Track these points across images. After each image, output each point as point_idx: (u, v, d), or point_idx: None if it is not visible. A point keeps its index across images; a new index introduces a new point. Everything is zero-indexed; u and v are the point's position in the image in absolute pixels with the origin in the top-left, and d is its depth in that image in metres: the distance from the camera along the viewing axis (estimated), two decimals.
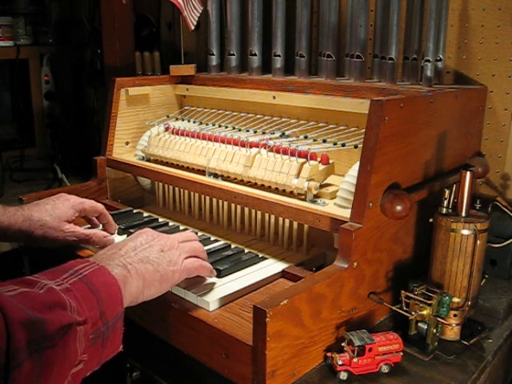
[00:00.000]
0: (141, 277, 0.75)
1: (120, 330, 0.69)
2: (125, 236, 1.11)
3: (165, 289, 0.80)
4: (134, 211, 1.29)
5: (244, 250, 1.06)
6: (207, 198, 1.20)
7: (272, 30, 1.32)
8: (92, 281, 0.66)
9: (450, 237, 0.88)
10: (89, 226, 1.13)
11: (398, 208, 0.86)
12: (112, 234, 1.11)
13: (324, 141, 1.10)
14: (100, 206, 1.09)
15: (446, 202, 0.90)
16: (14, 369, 0.51)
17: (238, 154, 1.13)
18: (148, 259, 0.78)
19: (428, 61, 1.11)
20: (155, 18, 1.89)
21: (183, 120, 1.41)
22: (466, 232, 0.87)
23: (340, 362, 0.79)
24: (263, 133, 1.21)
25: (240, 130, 1.26)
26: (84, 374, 0.63)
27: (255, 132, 1.22)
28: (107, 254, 0.76)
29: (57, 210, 1.00)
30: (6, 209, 0.98)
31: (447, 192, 0.90)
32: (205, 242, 1.10)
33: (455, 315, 0.89)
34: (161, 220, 1.24)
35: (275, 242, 1.10)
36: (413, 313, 0.85)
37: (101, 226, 1.12)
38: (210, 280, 0.93)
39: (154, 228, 1.16)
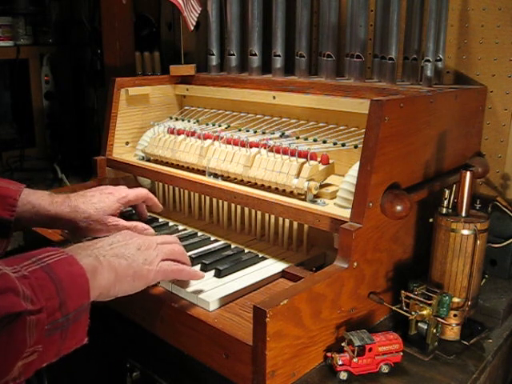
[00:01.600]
0: (113, 270, 0.74)
1: (85, 322, 0.67)
2: None
3: (138, 286, 0.80)
4: (134, 211, 1.29)
5: (244, 250, 1.06)
6: (207, 197, 1.20)
7: (272, 30, 1.32)
8: (55, 270, 0.64)
9: (449, 237, 0.88)
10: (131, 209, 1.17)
11: (398, 208, 0.86)
12: (158, 212, 1.17)
13: (324, 141, 1.10)
14: (143, 192, 1.11)
15: (445, 202, 0.90)
16: None
17: (238, 154, 1.13)
18: (123, 254, 0.78)
19: (428, 61, 1.11)
20: (155, 18, 1.89)
21: (183, 120, 1.41)
22: (465, 232, 0.87)
23: (340, 362, 0.79)
24: (263, 133, 1.21)
25: (240, 130, 1.26)
26: (39, 364, 0.62)
27: (255, 132, 1.22)
28: (81, 246, 0.76)
29: (102, 204, 1.02)
30: (54, 198, 1.00)
31: (447, 192, 0.90)
32: (205, 242, 1.10)
33: (455, 315, 0.89)
34: (161, 220, 1.24)
35: (275, 242, 1.10)
36: (413, 313, 0.85)
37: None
38: (210, 280, 0.93)
39: (153, 228, 1.17)
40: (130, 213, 1.19)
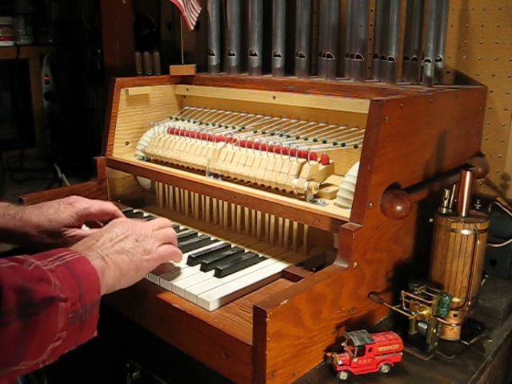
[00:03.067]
0: (117, 267, 0.79)
1: (95, 316, 0.72)
2: None
3: (140, 276, 0.84)
4: (134, 211, 1.29)
5: (244, 250, 1.06)
6: (207, 197, 1.20)
7: (272, 30, 1.32)
8: (74, 267, 0.70)
9: (449, 237, 0.88)
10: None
11: (398, 208, 0.86)
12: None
13: (324, 141, 1.10)
14: (111, 208, 1.02)
15: (446, 202, 0.90)
16: (1, 326, 0.57)
17: (238, 154, 1.13)
18: (124, 250, 0.82)
19: (428, 61, 1.11)
20: (155, 18, 1.89)
21: (183, 120, 1.41)
22: (466, 232, 0.87)
23: (340, 362, 0.79)
24: (263, 133, 1.21)
25: (240, 130, 1.26)
26: (62, 350, 0.67)
27: (255, 132, 1.22)
28: (86, 246, 0.80)
29: (57, 215, 0.96)
30: (7, 211, 0.96)
31: (447, 192, 0.90)
32: (205, 242, 1.10)
33: (455, 315, 0.89)
34: None
35: (275, 242, 1.10)
36: (413, 313, 0.85)
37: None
38: (210, 280, 0.93)
39: None
40: None
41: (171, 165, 1.27)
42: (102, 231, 0.84)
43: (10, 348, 0.59)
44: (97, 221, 1.05)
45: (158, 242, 0.88)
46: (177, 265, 0.99)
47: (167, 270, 0.96)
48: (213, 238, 1.13)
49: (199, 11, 1.42)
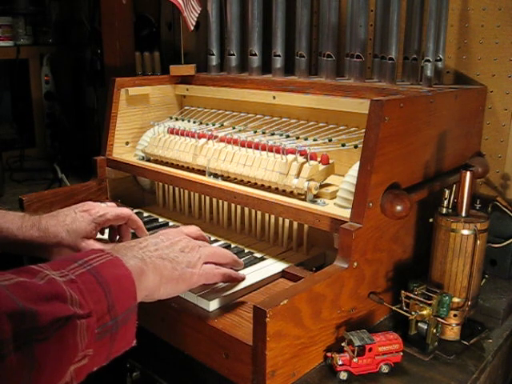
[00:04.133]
0: (158, 272, 0.73)
1: (133, 324, 0.66)
2: None
3: (182, 289, 0.79)
4: (134, 211, 1.29)
5: (244, 250, 1.06)
6: (207, 197, 1.20)
7: (272, 30, 1.32)
8: (102, 273, 0.63)
9: (450, 237, 0.88)
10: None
11: (398, 208, 0.86)
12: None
13: (324, 141, 1.10)
14: (127, 213, 0.99)
15: (446, 202, 0.90)
16: None
17: (238, 154, 1.13)
18: (167, 256, 0.77)
19: (428, 61, 1.11)
20: (155, 18, 1.89)
21: (183, 120, 1.41)
22: (466, 232, 0.87)
23: (340, 362, 0.79)
24: (263, 133, 1.21)
25: (240, 130, 1.26)
26: (90, 369, 0.61)
27: (255, 132, 1.22)
28: (126, 246, 0.75)
29: (75, 225, 0.93)
30: (23, 222, 0.93)
31: (447, 192, 0.90)
32: None
33: (455, 315, 0.89)
34: (161, 220, 1.24)
35: (275, 242, 1.10)
36: (413, 313, 0.85)
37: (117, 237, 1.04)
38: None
39: (153, 228, 1.17)
40: None
41: (171, 165, 1.27)
42: (147, 237, 0.80)
43: (12, 382, 0.51)
44: (123, 228, 1.02)
45: (203, 258, 0.82)
46: None
47: None
48: (213, 238, 1.13)
49: (199, 11, 1.42)
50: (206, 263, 0.83)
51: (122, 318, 0.63)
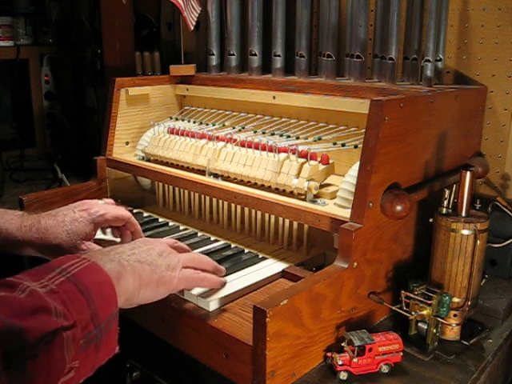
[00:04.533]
0: (137, 275, 0.71)
1: (115, 330, 0.64)
2: None
3: (162, 293, 0.77)
4: (134, 211, 1.29)
5: (244, 250, 1.06)
6: (207, 197, 1.20)
7: (272, 30, 1.32)
8: (82, 280, 0.61)
9: (449, 237, 0.88)
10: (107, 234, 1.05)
11: (398, 208, 0.86)
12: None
13: (324, 141, 1.10)
14: (126, 215, 0.99)
15: (445, 202, 0.90)
16: None
17: (238, 154, 1.13)
18: (145, 260, 0.75)
19: (428, 61, 1.11)
20: (155, 17, 1.89)
21: (183, 120, 1.41)
22: (466, 232, 0.87)
23: (340, 362, 0.79)
24: (263, 133, 1.21)
25: (240, 130, 1.26)
26: (77, 380, 0.59)
27: (255, 132, 1.22)
28: (102, 251, 0.73)
29: (74, 226, 0.92)
30: (23, 222, 0.92)
31: (447, 192, 0.90)
32: (205, 242, 1.10)
33: (455, 315, 0.89)
34: (161, 220, 1.24)
35: (275, 242, 1.10)
36: (413, 313, 0.85)
37: (118, 239, 1.04)
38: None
39: (154, 228, 1.17)
40: None
41: (171, 165, 1.27)
42: (123, 244, 0.79)
43: None
44: (123, 231, 1.01)
45: (182, 262, 0.81)
46: None
47: None
48: (213, 238, 1.13)
49: (199, 11, 1.42)
50: (185, 268, 0.82)
51: (105, 326, 0.62)
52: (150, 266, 0.75)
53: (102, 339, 0.61)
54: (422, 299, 0.85)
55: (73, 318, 0.57)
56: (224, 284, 0.90)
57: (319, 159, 1.05)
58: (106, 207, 0.98)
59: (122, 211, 0.99)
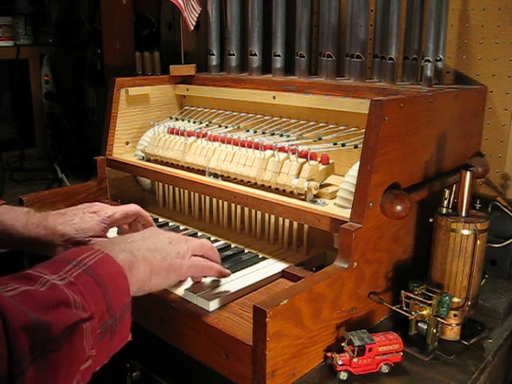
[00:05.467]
0: (148, 263, 0.73)
1: (128, 319, 0.66)
2: None
3: (172, 280, 0.79)
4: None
5: (244, 250, 1.06)
6: (207, 197, 1.20)
7: (272, 30, 1.32)
8: (97, 272, 0.63)
9: (449, 237, 0.88)
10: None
11: (398, 208, 0.86)
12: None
13: (324, 141, 1.10)
14: (135, 209, 0.99)
15: (445, 202, 0.90)
16: (17, 377, 0.49)
17: (238, 154, 1.13)
18: (156, 248, 0.76)
19: (428, 61, 1.11)
20: (155, 17, 1.89)
21: (183, 120, 1.41)
22: (466, 232, 0.87)
23: (340, 362, 0.79)
24: (263, 133, 1.21)
25: (240, 130, 1.26)
26: (93, 369, 0.62)
27: (255, 132, 1.22)
28: (113, 241, 0.75)
29: (83, 225, 0.93)
30: (29, 219, 0.92)
31: (447, 192, 0.90)
32: None
33: (455, 315, 0.89)
34: (161, 220, 1.24)
35: (275, 242, 1.10)
36: (413, 313, 0.85)
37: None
38: (210, 279, 0.93)
39: None
40: None
41: (171, 165, 1.27)
42: (133, 233, 0.80)
43: None
44: (134, 225, 1.02)
45: (191, 250, 0.82)
46: None
47: None
48: (213, 238, 1.13)
49: (199, 11, 1.42)
50: (195, 256, 0.84)
51: (119, 315, 0.64)
52: (160, 254, 0.76)
53: (116, 328, 0.63)
54: (421, 299, 0.85)
55: (91, 310, 0.58)
56: (228, 275, 0.91)
57: (319, 159, 1.05)
58: (115, 208, 0.98)
59: (131, 206, 0.99)
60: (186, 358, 0.86)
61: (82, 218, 0.94)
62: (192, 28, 1.42)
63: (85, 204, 0.99)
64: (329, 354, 0.82)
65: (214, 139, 1.20)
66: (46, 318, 0.53)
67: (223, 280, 0.93)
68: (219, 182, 1.13)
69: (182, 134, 1.26)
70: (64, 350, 0.54)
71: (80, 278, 0.60)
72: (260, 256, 1.04)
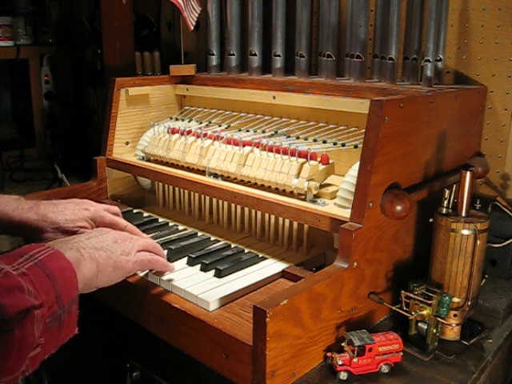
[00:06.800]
0: (94, 261, 0.77)
1: (75, 313, 0.70)
2: None
3: (118, 276, 0.82)
4: (134, 211, 1.29)
5: (244, 250, 1.06)
6: (207, 197, 1.20)
7: (272, 30, 1.32)
8: (47, 265, 0.67)
9: (450, 237, 0.88)
10: None
11: (398, 208, 0.86)
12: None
13: (324, 141, 1.10)
14: (122, 224, 1.01)
15: (445, 202, 0.90)
16: None
17: (238, 154, 1.13)
18: (101, 247, 0.80)
19: (428, 61, 1.11)
20: (155, 17, 1.89)
21: (183, 120, 1.41)
22: (466, 232, 0.87)
23: (340, 362, 0.79)
24: (263, 132, 1.21)
25: (240, 130, 1.26)
26: (42, 357, 0.65)
27: (255, 132, 1.22)
28: (62, 240, 0.78)
29: (74, 216, 0.97)
30: (20, 204, 0.95)
31: (447, 192, 0.90)
32: (205, 242, 1.10)
33: (455, 315, 0.89)
34: (161, 220, 1.24)
35: (275, 242, 1.10)
36: (413, 313, 0.85)
37: None
38: (210, 280, 0.93)
39: (153, 228, 1.17)
40: None
41: (171, 165, 1.27)
42: (79, 234, 0.84)
43: None
44: None
45: (137, 247, 0.87)
46: (177, 265, 0.99)
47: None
48: (213, 238, 1.13)
49: (199, 11, 1.42)
50: (139, 251, 0.88)
51: (67, 308, 0.67)
52: (105, 252, 0.80)
53: (64, 320, 0.67)
54: (421, 299, 0.85)
55: (41, 298, 0.62)
56: (172, 268, 0.95)
57: (319, 159, 1.05)
58: (106, 213, 1.02)
59: (120, 220, 1.02)
60: (185, 357, 0.86)
61: (73, 210, 0.98)
62: (192, 28, 1.42)
63: (77, 200, 1.03)
64: (329, 354, 0.82)
65: (214, 139, 1.20)
66: (2, 300, 0.57)
67: (223, 280, 0.93)
68: (219, 182, 1.13)
69: (182, 134, 1.26)
70: (16, 333, 0.58)
71: (31, 270, 0.64)
72: (260, 256, 1.04)
